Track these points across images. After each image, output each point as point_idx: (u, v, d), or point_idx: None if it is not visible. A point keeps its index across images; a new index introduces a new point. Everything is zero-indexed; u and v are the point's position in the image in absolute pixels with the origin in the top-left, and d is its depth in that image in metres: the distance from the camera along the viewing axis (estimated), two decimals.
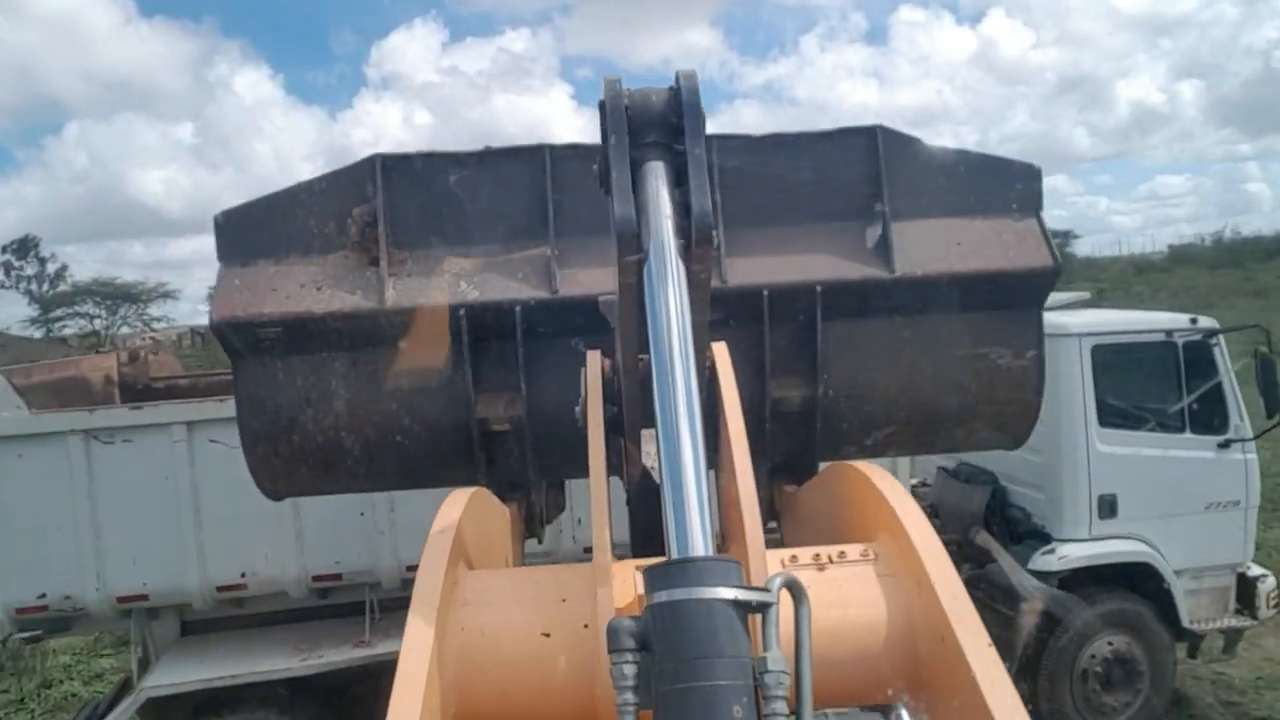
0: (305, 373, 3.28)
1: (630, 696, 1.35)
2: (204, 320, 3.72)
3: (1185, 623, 7.08)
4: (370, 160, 3.22)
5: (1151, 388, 7.32)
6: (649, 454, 2.44)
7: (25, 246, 65.20)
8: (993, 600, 7.09)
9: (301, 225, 3.25)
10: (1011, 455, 7.80)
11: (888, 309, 3.36)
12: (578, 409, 2.30)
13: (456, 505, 2.04)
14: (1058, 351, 7.17)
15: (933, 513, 8.03)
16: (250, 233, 3.26)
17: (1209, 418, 7.15)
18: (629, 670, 1.36)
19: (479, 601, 1.85)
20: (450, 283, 3.22)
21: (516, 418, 3.29)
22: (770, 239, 3.28)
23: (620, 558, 1.97)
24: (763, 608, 1.38)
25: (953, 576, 1.73)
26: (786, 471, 3.44)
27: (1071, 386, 7.07)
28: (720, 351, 2.30)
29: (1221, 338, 7.16)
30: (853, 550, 1.92)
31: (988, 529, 7.84)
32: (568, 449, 2.78)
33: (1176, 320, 7.30)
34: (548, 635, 1.77)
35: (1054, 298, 8.63)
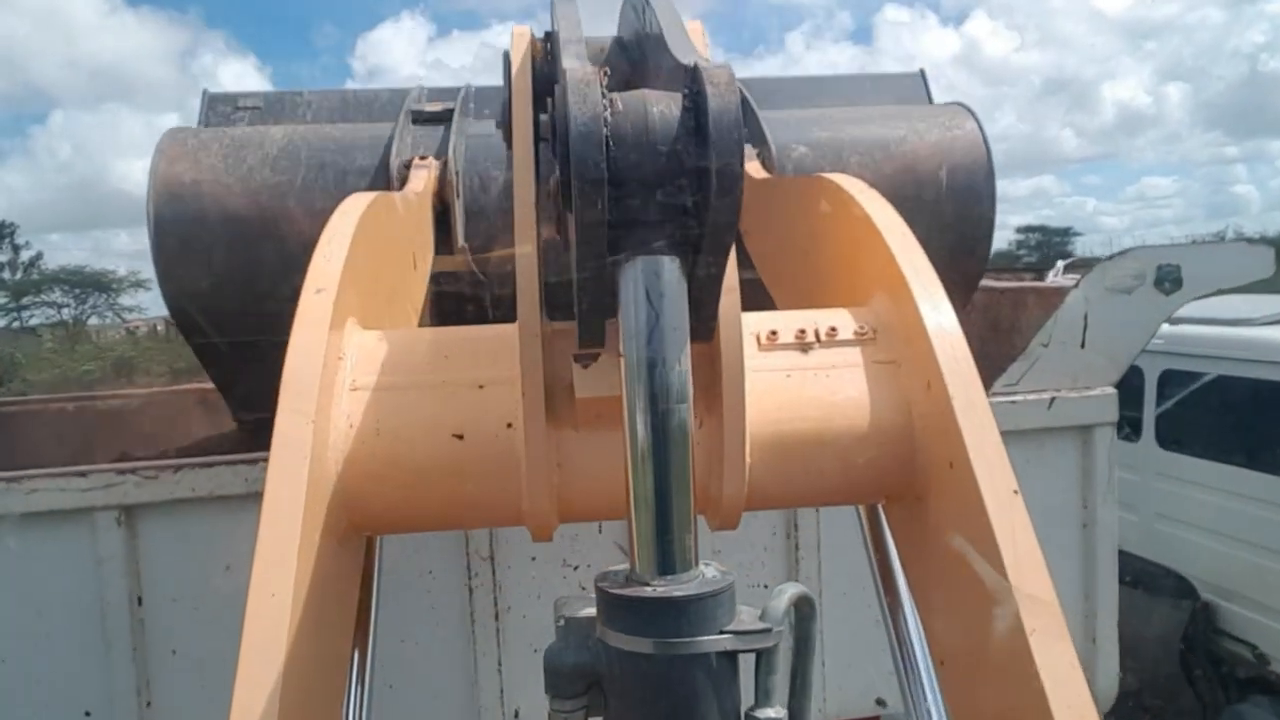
0: None
1: None
2: None
3: None
4: None
5: None
6: None
7: (0, 233, 63.55)
8: None
9: None
10: (1229, 556, 4.96)
11: None
12: (496, 119, 1.70)
13: (342, 235, 1.52)
14: None
15: None
16: None
17: None
18: None
19: (372, 386, 1.42)
20: None
21: None
22: None
23: None
24: (763, 653, 1.10)
25: (969, 373, 1.31)
26: None
27: None
28: None
29: None
30: (845, 324, 1.51)
31: (1184, 668, 4.97)
32: None
33: None
34: (460, 437, 1.38)
35: (1235, 300, 5.81)
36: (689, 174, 1.01)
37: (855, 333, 1.50)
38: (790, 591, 1.18)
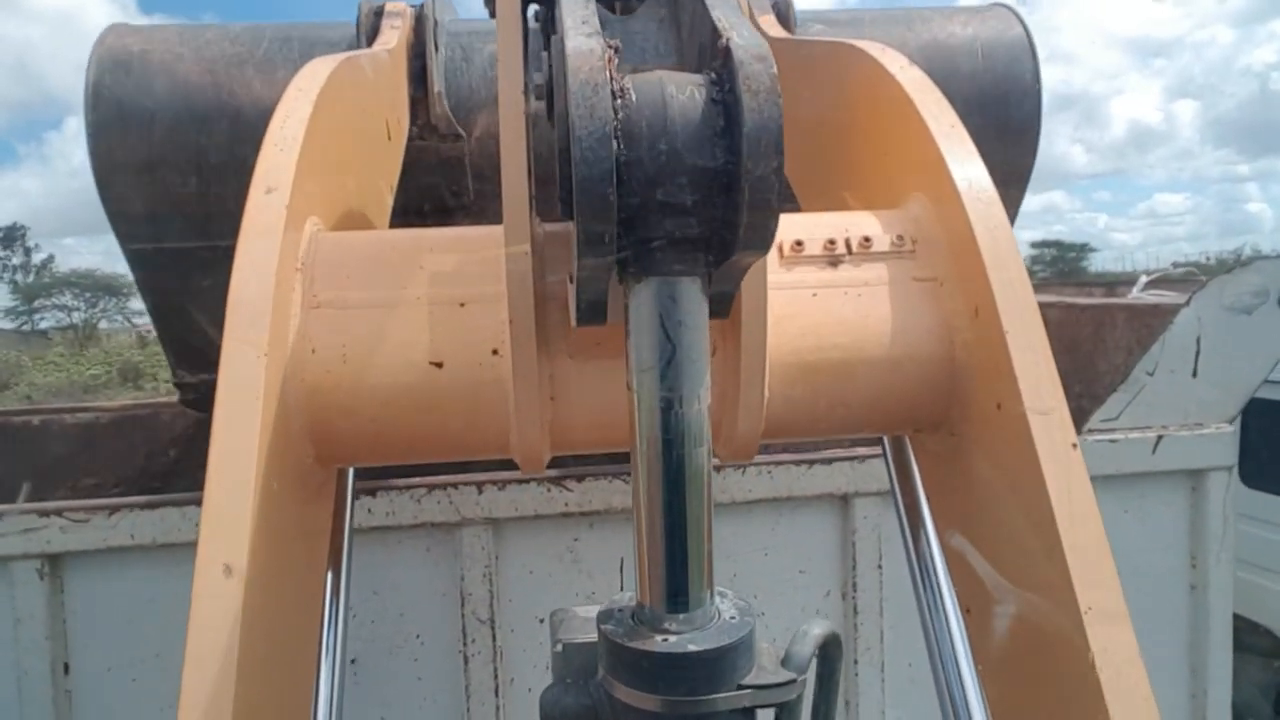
0: None
1: None
2: None
3: None
4: None
5: None
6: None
7: (12, 236, 64.02)
8: None
9: None
10: None
11: None
12: None
13: (297, 116, 1.32)
14: None
15: None
16: None
17: None
18: None
19: (336, 304, 1.27)
20: None
21: None
22: None
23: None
24: (783, 708, 1.01)
25: (1025, 300, 1.17)
26: None
27: None
28: None
29: None
30: (881, 235, 1.36)
31: None
32: None
33: None
34: (439, 365, 1.26)
35: None
36: (714, 187, 0.87)
37: (892, 244, 1.35)
38: (816, 633, 1.12)
